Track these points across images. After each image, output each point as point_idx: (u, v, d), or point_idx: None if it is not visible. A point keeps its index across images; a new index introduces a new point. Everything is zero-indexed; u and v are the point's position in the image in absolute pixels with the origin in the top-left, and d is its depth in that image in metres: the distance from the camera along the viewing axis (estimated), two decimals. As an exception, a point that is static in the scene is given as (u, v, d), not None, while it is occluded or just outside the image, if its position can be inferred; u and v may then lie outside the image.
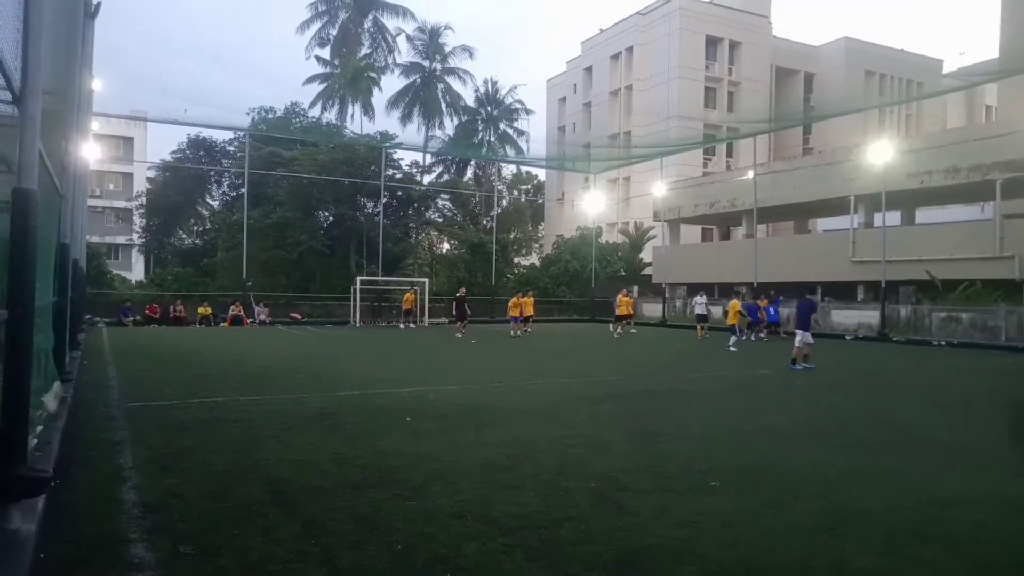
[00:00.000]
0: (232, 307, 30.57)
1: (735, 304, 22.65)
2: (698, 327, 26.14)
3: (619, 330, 26.64)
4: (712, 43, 54.07)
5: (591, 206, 42.99)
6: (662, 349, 21.78)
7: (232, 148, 46.19)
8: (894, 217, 33.57)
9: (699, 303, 26.81)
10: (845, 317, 28.53)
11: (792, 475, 6.16)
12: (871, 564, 4.11)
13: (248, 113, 46.76)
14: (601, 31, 60.10)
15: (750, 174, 35.29)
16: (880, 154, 27.45)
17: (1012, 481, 6.05)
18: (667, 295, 39.07)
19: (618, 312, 27.23)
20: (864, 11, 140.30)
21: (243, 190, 36.47)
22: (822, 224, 43.73)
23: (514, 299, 26.68)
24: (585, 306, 40.48)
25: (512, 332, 25.09)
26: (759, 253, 33.19)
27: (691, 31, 52.94)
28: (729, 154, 54.91)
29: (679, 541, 4.43)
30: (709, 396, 11.29)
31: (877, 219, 30.96)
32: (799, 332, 15.04)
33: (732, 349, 20.09)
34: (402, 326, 30.99)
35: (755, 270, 32.39)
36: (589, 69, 60.79)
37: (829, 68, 57.51)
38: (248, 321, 30.36)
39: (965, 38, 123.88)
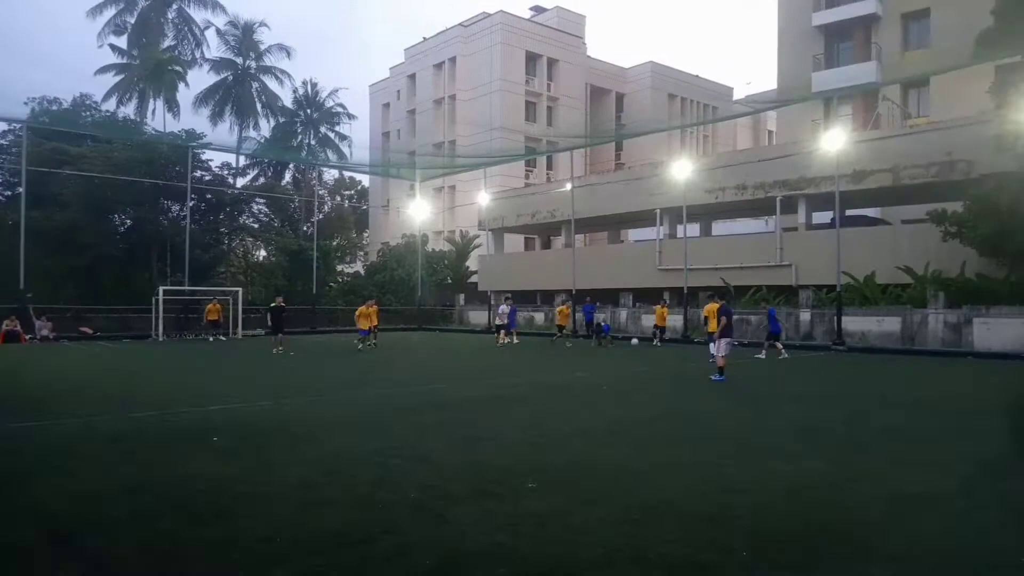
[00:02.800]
0: (6, 322, 26.83)
1: (663, 311, 25.40)
2: (499, 334, 26.65)
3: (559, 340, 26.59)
4: (532, 59, 56.16)
5: (417, 213, 42.89)
6: (486, 356, 22.13)
7: (6, 142, 40.73)
8: (695, 229, 36.70)
9: (503, 312, 27.20)
10: (652, 321, 30.71)
11: (602, 473, 6.47)
12: (670, 551, 4.39)
13: (27, 103, 41.54)
14: (424, 39, 60.31)
15: (568, 186, 36.99)
16: (681, 171, 29.98)
17: (787, 466, 6.77)
18: (493, 302, 39.87)
19: (558, 321, 27.17)
20: (666, 39, 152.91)
21: (20, 189, 32.26)
22: (633, 235, 46.85)
23: (362, 308, 24.16)
24: (412, 314, 40.25)
25: (358, 344, 22.90)
26: (577, 262, 34.85)
27: (511, 46, 54.63)
28: (549, 167, 57.24)
29: (496, 545, 4.47)
30: (529, 401, 11.61)
31: (680, 231, 33.65)
32: (723, 341, 14.26)
33: (658, 344, 22.56)
34: (211, 339, 28.93)
35: (573, 278, 33.96)
36: (413, 77, 60.75)
37: (637, 89, 61.95)
38: (27, 337, 26.83)
39: (751, 68, 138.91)
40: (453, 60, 56.97)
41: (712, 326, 16.00)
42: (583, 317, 28.57)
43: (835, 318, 24.69)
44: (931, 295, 23.74)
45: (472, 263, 47.11)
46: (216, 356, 21.55)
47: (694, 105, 64.14)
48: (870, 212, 34.99)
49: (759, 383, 14.46)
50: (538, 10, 61.25)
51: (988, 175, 23.79)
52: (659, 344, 25.93)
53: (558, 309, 27.91)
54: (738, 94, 67.16)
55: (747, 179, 32.07)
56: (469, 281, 46.53)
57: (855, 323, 24.85)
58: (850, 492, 5.87)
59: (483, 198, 39.91)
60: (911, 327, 23.93)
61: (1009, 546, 4.58)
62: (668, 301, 30.43)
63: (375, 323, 24.48)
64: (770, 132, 61.20)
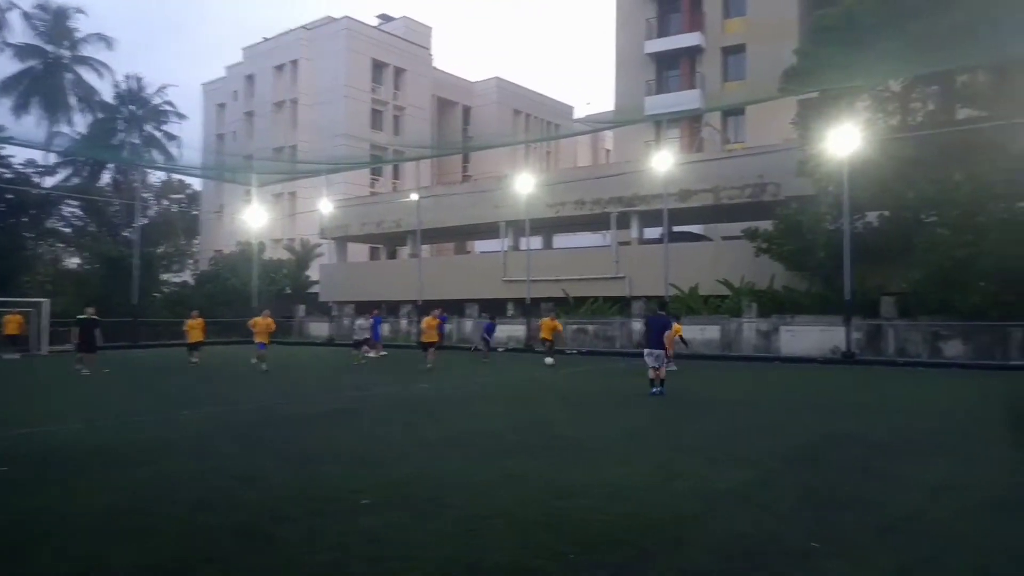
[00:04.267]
0: None
1: (552, 322, 22.38)
2: (361, 351, 23.50)
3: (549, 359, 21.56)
4: (378, 67, 55.47)
5: (253, 220, 40.79)
6: (328, 369, 21.43)
7: None
8: (537, 241, 37.83)
9: (360, 325, 24.43)
10: (498, 331, 31.25)
11: (440, 484, 6.44)
12: (503, 558, 4.45)
13: None
14: (265, 40, 57.80)
15: (414, 196, 36.84)
16: (524, 185, 30.85)
17: (616, 469, 7.11)
18: (335, 313, 38.75)
19: (542, 335, 22.75)
20: (512, 57, 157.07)
21: None
22: (480, 246, 47.47)
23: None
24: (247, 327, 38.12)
25: (257, 361, 20.00)
26: (424, 272, 34.74)
27: (357, 52, 53.69)
28: (395, 176, 56.71)
29: (324, 565, 4.31)
30: (368, 414, 11.37)
31: (523, 243, 34.55)
32: (655, 352, 13.23)
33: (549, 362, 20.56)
34: (6, 356, 25.71)
35: (420, 289, 33.81)
36: (251, 77, 57.94)
37: (484, 104, 63.07)
38: None
39: (592, 89, 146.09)
40: (295, 63, 55.01)
41: (545, 333, 16.83)
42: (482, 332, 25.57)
43: (664, 327, 26.39)
44: (745, 305, 25.98)
45: (313, 272, 45.54)
46: (14, 374, 19.21)
47: (538, 122, 66.30)
48: (695, 229, 37.79)
49: (598, 392, 15.07)
50: (385, 19, 60.71)
51: (793, 197, 26.52)
52: (551, 362, 21.07)
53: (542, 321, 23.56)
54: (579, 113, 70.40)
55: (586, 195, 33.57)
56: (310, 291, 44.91)
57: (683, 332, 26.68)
58: (671, 490, 6.26)
59: (325, 206, 38.77)
60: (729, 335, 26.07)
61: (802, 532, 5.08)
62: (556, 311, 28.48)
63: (200, 338, 22.58)
64: (608, 151, 64.55)
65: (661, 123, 34.57)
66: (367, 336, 24.26)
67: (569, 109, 70.82)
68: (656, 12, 41.73)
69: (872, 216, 24.96)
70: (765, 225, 26.75)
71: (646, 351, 13.33)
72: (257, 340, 20.48)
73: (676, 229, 33.77)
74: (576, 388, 15.07)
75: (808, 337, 24.22)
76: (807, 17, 32.92)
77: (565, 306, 30.94)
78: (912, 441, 8.82)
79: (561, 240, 42.63)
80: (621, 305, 30.11)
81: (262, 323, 20.64)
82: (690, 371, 18.88)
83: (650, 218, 32.36)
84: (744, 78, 38.22)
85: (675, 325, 16.50)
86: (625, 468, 7.13)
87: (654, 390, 13.13)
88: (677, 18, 41.23)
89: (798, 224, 24.98)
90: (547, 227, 38.21)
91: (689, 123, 40.59)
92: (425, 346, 20.42)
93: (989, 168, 21.72)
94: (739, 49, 38.92)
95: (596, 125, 51.71)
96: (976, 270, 20.91)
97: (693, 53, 40.41)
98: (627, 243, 33.44)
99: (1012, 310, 20.63)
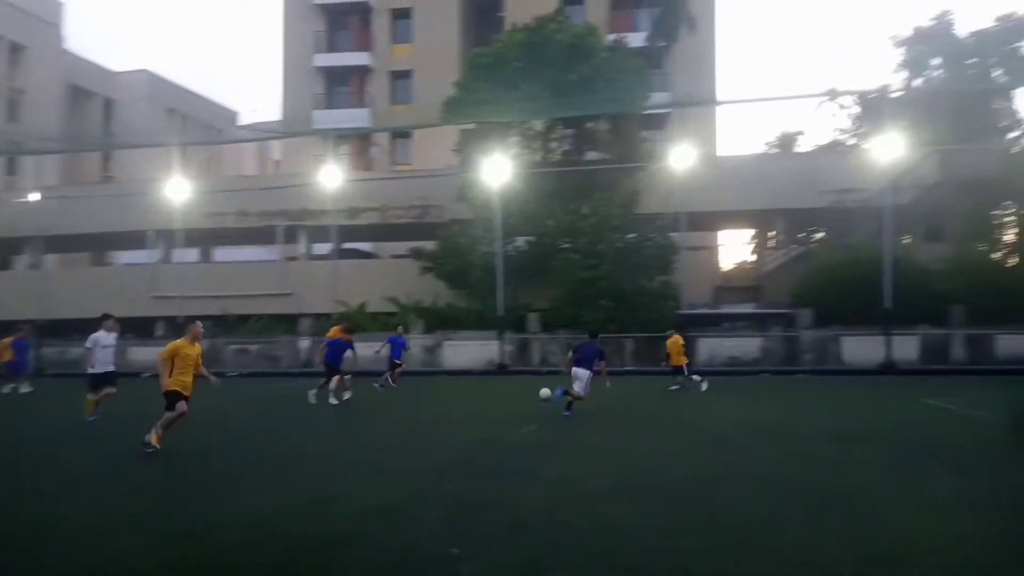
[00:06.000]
0: None
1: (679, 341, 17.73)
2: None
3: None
4: (-10, 38, 46.09)
5: None
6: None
7: None
8: (194, 254, 34.72)
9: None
10: (143, 354, 27.85)
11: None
12: None
13: None
14: None
15: (35, 196, 31.22)
16: (179, 191, 28.12)
17: (264, 499, 6.75)
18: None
19: (672, 363, 17.84)
20: (169, 52, 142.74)
21: None
22: (124, 257, 41.94)
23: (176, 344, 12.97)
24: None
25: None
26: (49, 286, 29.54)
27: (-44, 17, 44.01)
28: (10, 171, 47.46)
29: None
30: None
31: (177, 255, 31.44)
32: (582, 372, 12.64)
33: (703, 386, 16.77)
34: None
35: (41, 305, 28.65)
36: None
37: (131, 98, 56.04)
38: None
39: (258, 95, 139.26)
40: None
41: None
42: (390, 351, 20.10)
43: (332, 344, 26.11)
44: (412, 322, 26.98)
45: None
46: None
47: (197, 124, 61.09)
48: (364, 246, 38.23)
49: (265, 417, 14.24)
50: (-2, -18, 50.67)
51: (454, 220, 28.38)
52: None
53: (669, 342, 18.04)
54: (244, 120, 66.60)
55: (250, 206, 31.83)
56: None
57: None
58: (325, 514, 6.12)
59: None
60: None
61: (446, 539, 5.34)
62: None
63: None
64: (277, 162, 62.13)
65: (331, 138, 34.37)
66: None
67: (233, 114, 66.61)
68: (326, 26, 41.52)
69: (521, 240, 27.84)
70: (430, 245, 28.15)
71: (575, 370, 12.79)
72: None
73: (345, 246, 33.78)
74: (225, 413, 14.07)
75: (469, 351, 25.99)
76: (467, 51, 35.70)
77: (225, 325, 28.86)
78: (543, 441, 9.92)
79: (223, 254, 39.77)
80: (288, 323, 29.06)
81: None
82: (361, 389, 18.90)
83: (319, 233, 31.88)
84: (411, 102, 39.91)
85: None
86: (275, 496, 6.80)
87: (566, 412, 12.38)
88: (347, 35, 41.55)
89: (458, 245, 26.79)
90: (206, 238, 35.34)
91: (359, 141, 41.08)
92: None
93: (608, 203, 25.76)
94: (407, 74, 40.56)
95: (263, 134, 49.50)
96: (598, 290, 24.55)
97: (363, 72, 41.03)
98: (295, 258, 32.48)
99: (625, 324, 24.59)
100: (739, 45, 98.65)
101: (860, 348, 23.26)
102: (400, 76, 40.90)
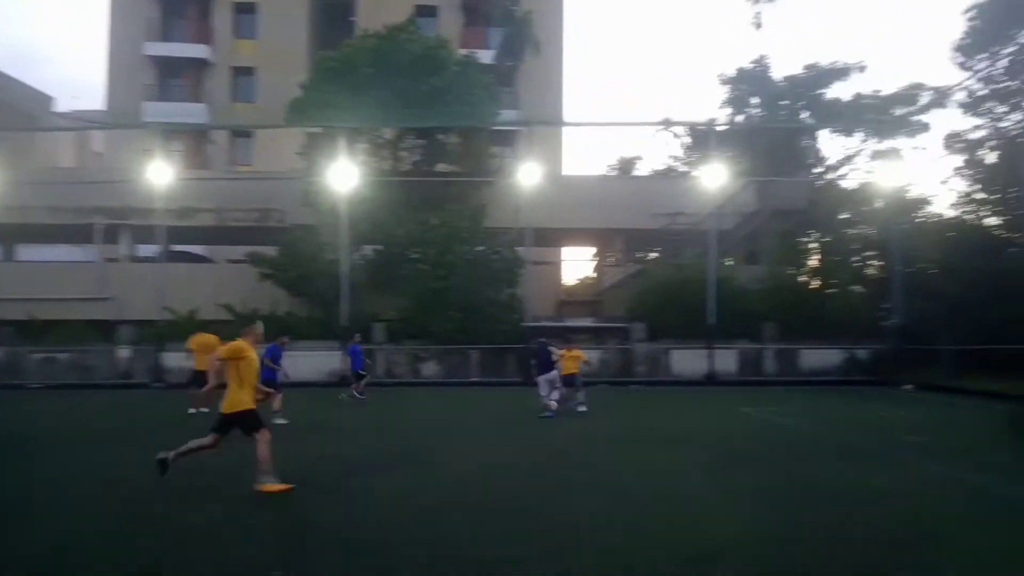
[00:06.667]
0: None
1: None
2: None
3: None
4: None
5: None
6: None
7: None
8: (-7, 251, 30.84)
9: None
10: None
11: None
12: None
13: None
14: None
15: None
16: (-25, 181, 24.87)
17: (66, 525, 6.06)
18: None
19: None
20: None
21: None
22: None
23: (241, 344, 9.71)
24: None
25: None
26: None
27: None
28: None
29: None
30: None
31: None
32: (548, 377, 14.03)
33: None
34: None
35: None
36: None
37: (-82, 72, 49.05)
38: None
39: (80, 81, 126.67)
40: None
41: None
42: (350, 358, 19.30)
43: (156, 355, 24.17)
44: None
45: None
46: None
47: (2, 107, 54.46)
48: (197, 249, 35.79)
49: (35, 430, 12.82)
50: None
51: (297, 225, 27.27)
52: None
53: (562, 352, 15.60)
54: (62, 107, 60.25)
55: (64, 201, 28.77)
56: None
57: (177, 359, 24.71)
58: (135, 539, 5.58)
59: None
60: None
61: (269, 562, 5.04)
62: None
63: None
64: (99, 154, 56.76)
65: (163, 133, 31.86)
66: None
67: (48, 99, 60.08)
68: (159, 12, 38.67)
69: (368, 249, 27.27)
70: (271, 251, 26.84)
71: (540, 379, 14.06)
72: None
73: (176, 248, 31.45)
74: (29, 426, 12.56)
75: (310, 362, 24.95)
76: (315, 53, 34.65)
77: (30, 331, 25.83)
78: (380, 457, 9.71)
79: (30, 252, 35.67)
80: (106, 330, 26.48)
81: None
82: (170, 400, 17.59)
83: (145, 234, 29.41)
84: (254, 101, 38.03)
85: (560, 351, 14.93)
86: (77, 523, 6.12)
87: (548, 414, 13.73)
88: (183, 25, 38.93)
89: (301, 252, 25.77)
90: (9, 235, 31.54)
91: (195, 138, 38.49)
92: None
93: (458, 215, 25.89)
94: (250, 72, 38.64)
95: (82, 123, 45.07)
96: (448, 301, 24.56)
97: (200, 65, 38.60)
98: (115, 260, 29.78)
99: (473, 335, 24.75)
100: (586, 72, 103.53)
101: (687, 361, 24.92)
102: (242, 73, 38.87)
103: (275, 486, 7.06)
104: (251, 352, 7.25)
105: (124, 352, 25.02)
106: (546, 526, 5.99)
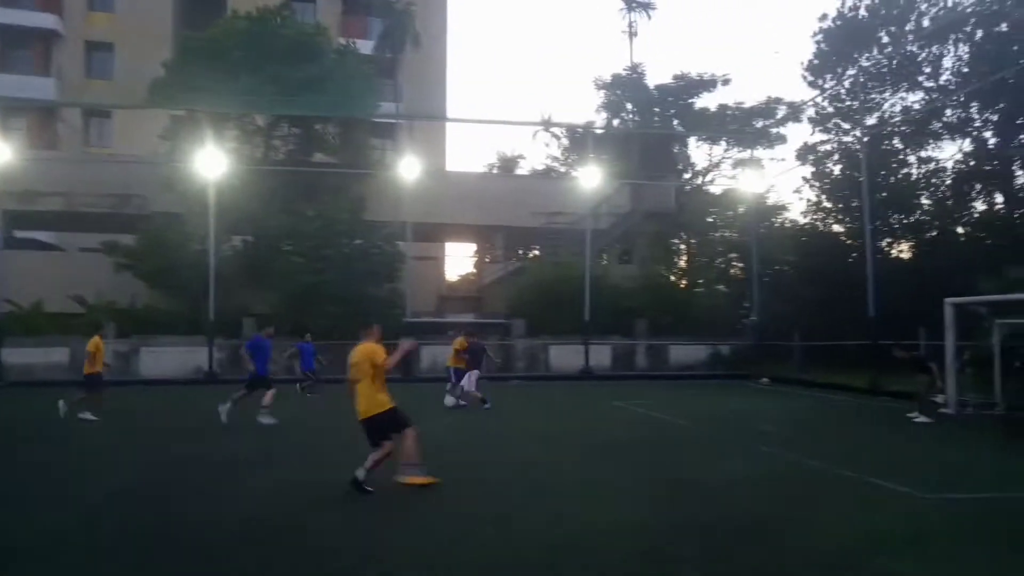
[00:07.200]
0: None
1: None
2: None
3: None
4: None
5: None
6: None
7: None
8: None
9: None
10: None
11: None
12: None
13: None
14: None
15: None
16: None
17: None
18: None
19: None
20: None
21: None
22: None
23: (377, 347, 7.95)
24: None
25: None
26: None
27: None
28: None
29: None
30: None
31: None
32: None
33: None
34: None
35: None
36: None
37: None
38: None
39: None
40: None
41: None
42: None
43: (-7, 351, 21.94)
44: (103, 325, 23.68)
45: None
46: None
47: None
48: (43, 236, 32.80)
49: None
50: None
51: (160, 213, 25.59)
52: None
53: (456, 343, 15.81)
54: None
55: None
56: None
57: (19, 355, 22.56)
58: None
59: None
60: (81, 357, 23.26)
61: (119, 569, 4.71)
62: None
63: None
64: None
65: (1, 108, 28.90)
66: None
67: None
68: (0, -23, 35.09)
69: (238, 240, 26.00)
70: (129, 239, 25.04)
71: (469, 374, 14.99)
72: None
73: (18, 235, 28.68)
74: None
75: (172, 358, 23.50)
76: (180, 31, 32.65)
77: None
78: (255, 454, 9.33)
79: None
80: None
81: None
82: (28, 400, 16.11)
83: (-20, 218, 26.61)
84: (111, 78, 35.30)
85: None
86: None
87: (487, 405, 14.52)
88: (29, -9, 35.53)
89: (164, 241, 24.22)
90: None
91: (40, 115, 35.25)
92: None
93: (335, 208, 25.18)
94: (107, 47, 35.82)
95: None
96: (324, 295, 23.82)
97: (49, 37, 35.38)
98: None
99: (350, 331, 24.16)
100: (470, 69, 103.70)
101: (564, 356, 25.53)
102: (98, 48, 35.94)
103: (420, 479, 7.14)
104: (383, 351, 7.26)
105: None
106: (417, 524, 5.97)
